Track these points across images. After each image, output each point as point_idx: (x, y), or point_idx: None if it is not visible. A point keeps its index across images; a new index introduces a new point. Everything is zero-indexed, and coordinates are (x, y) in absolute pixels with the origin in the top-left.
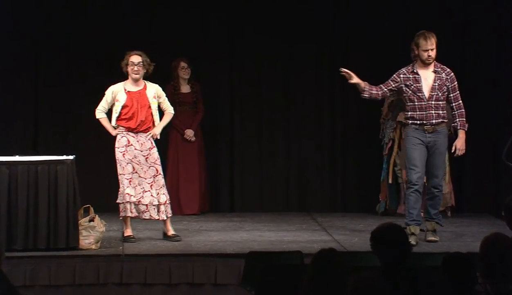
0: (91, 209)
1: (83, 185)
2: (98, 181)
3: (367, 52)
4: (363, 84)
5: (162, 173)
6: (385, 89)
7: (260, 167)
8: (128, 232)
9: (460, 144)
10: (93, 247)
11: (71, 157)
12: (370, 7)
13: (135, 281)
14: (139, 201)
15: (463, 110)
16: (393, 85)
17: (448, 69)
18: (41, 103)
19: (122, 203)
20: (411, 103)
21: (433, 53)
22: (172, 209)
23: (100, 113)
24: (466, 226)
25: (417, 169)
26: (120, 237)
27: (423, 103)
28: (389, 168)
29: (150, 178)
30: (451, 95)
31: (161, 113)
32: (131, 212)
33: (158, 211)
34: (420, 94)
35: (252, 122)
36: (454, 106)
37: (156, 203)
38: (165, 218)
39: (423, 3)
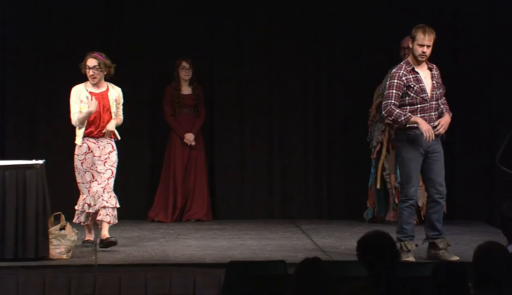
0: (62, 216)
1: (54, 191)
2: (69, 187)
3: (354, 50)
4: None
5: (114, 176)
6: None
7: (241, 172)
8: (88, 236)
9: (443, 121)
10: (64, 256)
11: (40, 161)
12: (356, 2)
13: (109, 293)
14: (96, 210)
15: (445, 104)
16: (401, 93)
17: (435, 65)
18: (8, 105)
19: (80, 211)
20: (411, 106)
21: (428, 51)
22: (162, 215)
23: (75, 115)
24: (458, 234)
25: (415, 182)
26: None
27: (426, 104)
28: (377, 173)
29: (104, 181)
30: (439, 91)
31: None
32: (85, 220)
33: (112, 215)
34: (423, 95)
35: (233, 125)
36: (440, 102)
37: (107, 205)
38: (113, 223)
39: None
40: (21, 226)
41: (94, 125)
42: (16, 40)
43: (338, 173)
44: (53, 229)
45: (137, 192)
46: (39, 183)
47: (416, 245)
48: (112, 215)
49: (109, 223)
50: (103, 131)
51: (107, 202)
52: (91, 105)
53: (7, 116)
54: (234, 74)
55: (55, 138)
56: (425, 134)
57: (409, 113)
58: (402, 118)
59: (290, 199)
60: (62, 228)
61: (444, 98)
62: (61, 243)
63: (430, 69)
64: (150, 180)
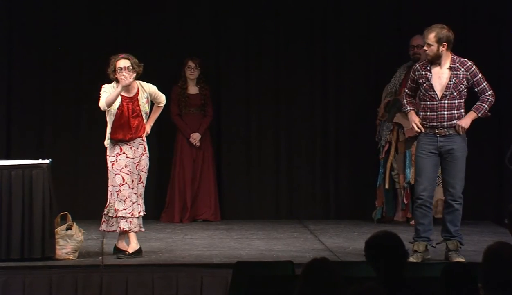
0: (69, 216)
1: (60, 191)
2: (75, 186)
3: (362, 48)
4: (416, 113)
5: (144, 182)
6: (414, 94)
7: (248, 172)
8: (121, 245)
9: (461, 121)
10: (71, 257)
11: (47, 161)
12: (364, 2)
13: (116, 293)
14: (132, 214)
15: (488, 97)
16: (415, 85)
17: (469, 63)
18: (14, 104)
19: (106, 215)
20: (423, 103)
21: (429, 49)
22: (172, 216)
23: (104, 95)
24: (467, 235)
25: (423, 180)
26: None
27: (434, 103)
28: (385, 173)
29: (135, 187)
30: (476, 89)
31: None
32: (119, 227)
33: (128, 222)
34: (431, 93)
35: (240, 125)
36: (481, 98)
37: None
38: (136, 231)
39: None
40: (28, 226)
41: (123, 131)
42: (22, 41)
43: (346, 173)
44: (60, 229)
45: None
46: (45, 183)
47: (433, 246)
48: (130, 223)
49: (123, 230)
50: (146, 136)
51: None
52: (124, 81)
53: (13, 116)
54: (241, 74)
55: (61, 138)
56: (414, 129)
57: (410, 108)
58: (403, 109)
59: (298, 199)
60: (69, 228)
61: (486, 93)
62: (68, 243)
63: (451, 69)
64: (157, 179)
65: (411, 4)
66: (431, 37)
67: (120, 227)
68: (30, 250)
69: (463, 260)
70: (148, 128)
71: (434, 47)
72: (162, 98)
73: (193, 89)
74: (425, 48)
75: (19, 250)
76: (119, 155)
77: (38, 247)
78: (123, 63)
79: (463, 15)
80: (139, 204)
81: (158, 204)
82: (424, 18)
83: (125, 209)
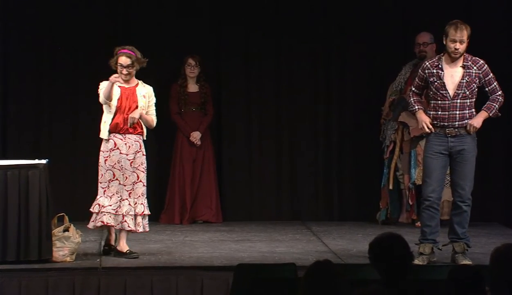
0: (66, 217)
1: (57, 191)
2: (73, 187)
3: (366, 46)
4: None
5: (144, 181)
6: (421, 92)
7: (249, 172)
8: (110, 240)
9: (473, 120)
10: (68, 259)
11: (44, 161)
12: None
13: None
14: (116, 211)
15: (498, 97)
16: (423, 84)
17: (481, 62)
18: (10, 103)
19: (94, 212)
20: (434, 102)
21: (461, 47)
22: (173, 217)
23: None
24: (474, 237)
25: (431, 181)
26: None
27: (446, 102)
28: (390, 173)
29: (130, 184)
30: (487, 89)
31: None
32: (101, 221)
33: (135, 222)
34: (443, 92)
35: (241, 124)
36: (491, 98)
37: (132, 212)
38: (140, 231)
39: None
40: (24, 228)
41: (121, 117)
42: (18, 39)
43: (350, 173)
44: (57, 231)
45: None
46: (42, 183)
47: (439, 248)
48: (139, 223)
49: (130, 231)
50: (129, 123)
51: (132, 209)
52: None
53: (9, 115)
54: (242, 73)
55: (58, 138)
56: (424, 129)
57: (418, 107)
58: (410, 108)
59: (300, 200)
60: (66, 230)
61: (496, 94)
62: (65, 245)
63: (464, 67)
64: (156, 179)
65: (416, 2)
66: (466, 34)
67: (103, 221)
68: (26, 252)
69: (470, 262)
70: (136, 114)
71: (466, 44)
72: (154, 111)
73: (193, 87)
74: (456, 46)
75: (15, 252)
76: (113, 150)
77: (34, 249)
78: (124, 60)
79: (467, 12)
80: (142, 203)
81: (158, 205)
82: (429, 16)
83: (110, 205)
